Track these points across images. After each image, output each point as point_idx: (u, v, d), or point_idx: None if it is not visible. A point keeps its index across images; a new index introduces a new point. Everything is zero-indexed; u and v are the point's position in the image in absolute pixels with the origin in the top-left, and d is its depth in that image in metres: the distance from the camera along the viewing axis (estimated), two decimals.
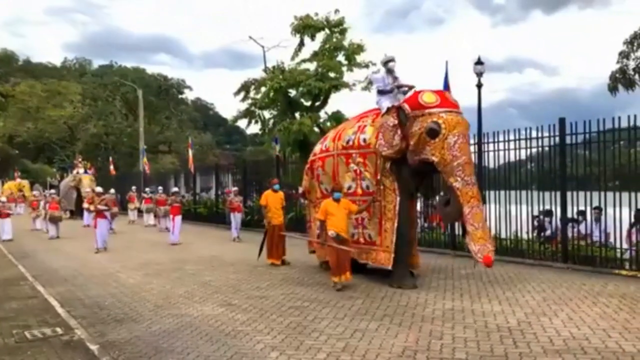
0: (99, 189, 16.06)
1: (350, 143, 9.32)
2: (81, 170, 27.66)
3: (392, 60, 9.05)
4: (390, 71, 9.03)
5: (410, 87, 8.83)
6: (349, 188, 9.20)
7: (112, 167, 32.51)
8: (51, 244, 16.43)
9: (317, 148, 10.64)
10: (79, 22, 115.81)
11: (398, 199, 8.51)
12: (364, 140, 9.06)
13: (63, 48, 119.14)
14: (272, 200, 11.32)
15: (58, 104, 47.20)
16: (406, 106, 8.18)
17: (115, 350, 5.71)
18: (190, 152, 23.90)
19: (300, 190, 11.38)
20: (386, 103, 8.83)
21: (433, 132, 7.80)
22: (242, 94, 22.94)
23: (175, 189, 18.82)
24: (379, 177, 8.71)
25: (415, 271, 9.12)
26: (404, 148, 8.28)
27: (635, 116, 9.34)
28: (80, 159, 29.22)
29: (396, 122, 8.33)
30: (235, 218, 16.60)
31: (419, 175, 8.65)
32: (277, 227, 11.15)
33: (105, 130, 44.65)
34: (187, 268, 10.99)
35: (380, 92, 9.02)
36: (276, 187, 11.64)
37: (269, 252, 11.08)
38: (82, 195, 25.34)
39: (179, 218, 15.91)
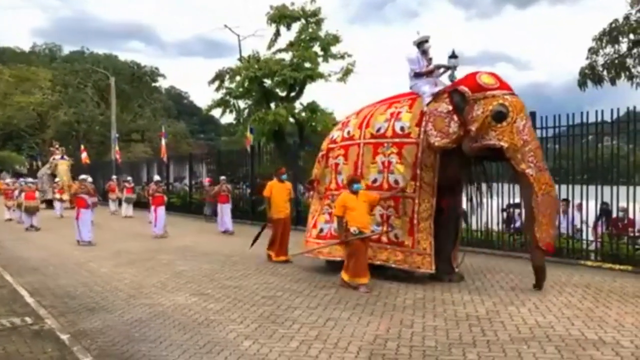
0: (83, 177, 14.69)
1: (382, 131, 8.34)
2: (57, 157, 26.66)
3: (426, 40, 8.28)
4: (424, 52, 8.28)
5: (449, 68, 8.06)
6: (374, 181, 8.33)
7: (84, 155, 31.80)
8: (22, 234, 16.11)
9: (337, 135, 9.44)
10: (49, 7, 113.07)
11: (434, 198, 7.82)
12: (402, 128, 8.12)
13: (32, 33, 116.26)
14: (278, 191, 10.40)
15: (27, 90, 46.09)
16: (465, 89, 7.45)
17: (87, 340, 5.67)
18: (163, 141, 23.63)
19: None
20: (425, 87, 8.03)
21: (501, 116, 7.17)
22: (216, 83, 22.75)
23: (157, 178, 17.37)
24: (417, 172, 7.88)
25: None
26: (461, 135, 7.51)
27: (602, 111, 9.60)
28: (57, 145, 28.18)
29: (451, 107, 7.57)
30: (224, 209, 15.74)
31: (468, 164, 8.19)
32: (283, 220, 10.29)
33: (77, 117, 43.87)
34: (161, 258, 10.92)
35: (417, 75, 8.21)
36: (284, 177, 10.66)
37: (272, 248, 10.26)
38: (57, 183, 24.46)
39: (162, 209, 14.92)
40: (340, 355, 5.01)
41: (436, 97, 7.85)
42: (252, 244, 10.56)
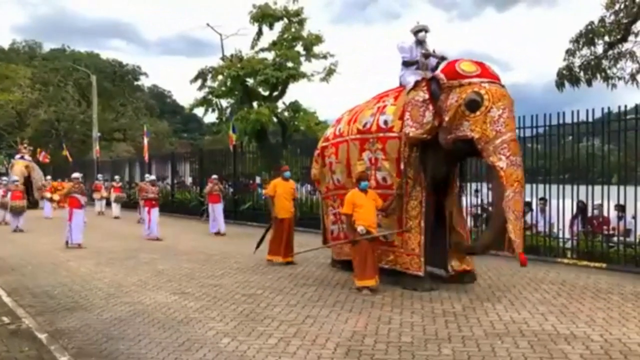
0: (75, 175, 13.69)
1: (368, 126, 8.06)
2: (17, 156, 25.78)
3: (424, 29, 7.87)
4: (420, 42, 7.86)
5: (442, 59, 7.72)
6: None
7: (67, 154, 31.24)
8: (1, 234, 15.87)
9: (329, 132, 9.36)
10: (28, 4, 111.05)
11: (424, 193, 7.43)
12: (385, 122, 7.81)
13: (11, 30, 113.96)
14: (282, 190, 9.97)
15: (6, 89, 45.33)
16: (441, 75, 7.06)
17: (65, 339, 5.66)
18: (146, 140, 23.51)
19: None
20: (411, 77, 7.62)
21: (474, 104, 6.67)
22: (199, 82, 22.73)
23: (153, 177, 16.58)
24: (402, 167, 7.52)
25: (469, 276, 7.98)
26: (436, 126, 7.08)
27: (578, 112, 9.78)
28: (25, 144, 27.15)
29: (427, 96, 7.16)
30: (216, 210, 15.13)
31: (452, 160, 7.69)
32: (287, 220, 9.83)
33: (57, 116, 43.22)
34: (141, 257, 10.88)
35: (406, 64, 7.83)
36: (287, 174, 10.19)
37: (271, 248, 9.82)
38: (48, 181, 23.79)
39: (156, 211, 14.25)
40: (318, 351, 5.07)
41: (416, 85, 7.46)
42: (257, 247, 10.10)
